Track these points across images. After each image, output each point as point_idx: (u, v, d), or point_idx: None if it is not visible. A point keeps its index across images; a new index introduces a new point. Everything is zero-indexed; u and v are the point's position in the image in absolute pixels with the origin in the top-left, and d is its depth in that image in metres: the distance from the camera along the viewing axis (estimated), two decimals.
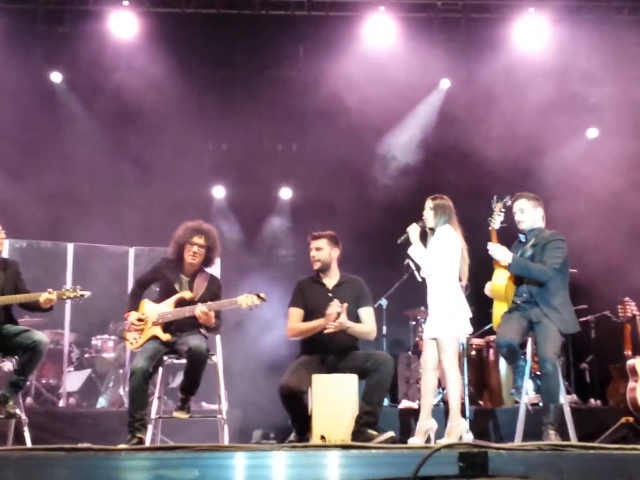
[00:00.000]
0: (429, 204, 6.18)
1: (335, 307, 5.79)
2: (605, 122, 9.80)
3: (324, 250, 6.07)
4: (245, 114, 10.12)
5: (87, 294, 6.08)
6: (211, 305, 5.88)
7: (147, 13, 9.91)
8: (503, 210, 5.86)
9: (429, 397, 5.99)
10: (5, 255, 6.54)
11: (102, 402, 8.71)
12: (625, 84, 9.29)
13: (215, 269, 8.33)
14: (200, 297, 6.06)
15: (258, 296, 5.89)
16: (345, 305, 5.81)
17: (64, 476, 3.14)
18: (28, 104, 9.70)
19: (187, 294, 6.04)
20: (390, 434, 5.59)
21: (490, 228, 5.85)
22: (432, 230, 6.10)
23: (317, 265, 6.06)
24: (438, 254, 5.99)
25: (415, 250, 6.05)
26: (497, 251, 5.81)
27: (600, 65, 9.10)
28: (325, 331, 5.76)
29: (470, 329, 6.10)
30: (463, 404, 7.08)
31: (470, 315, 6.08)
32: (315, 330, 5.85)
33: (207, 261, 6.23)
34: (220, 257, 6.52)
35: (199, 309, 5.84)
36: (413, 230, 6.06)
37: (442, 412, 6.95)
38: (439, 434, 5.96)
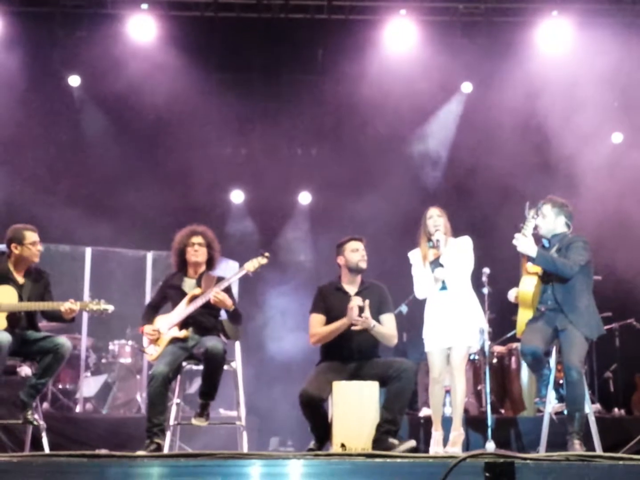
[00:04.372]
0: (438, 212, 6.29)
1: (356, 300, 5.76)
2: (630, 126, 9.74)
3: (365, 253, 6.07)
4: (264, 118, 10.13)
5: (110, 308, 6.07)
6: (222, 283, 5.96)
7: (166, 16, 9.91)
8: (536, 216, 5.79)
9: (441, 408, 6.41)
10: None
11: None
12: None
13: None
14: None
15: (263, 255, 6.02)
16: (367, 301, 5.77)
17: None
18: (46, 108, 9.76)
19: (197, 291, 6.08)
20: (412, 443, 5.59)
21: (521, 234, 5.75)
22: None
23: (365, 265, 6.00)
24: (467, 262, 6.21)
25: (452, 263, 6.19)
26: (523, 244, 5.71)
27: (625, 68, 9.03)
28: (352, 327, 5.71)
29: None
30: (485, 412, 7.08)
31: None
32: (338, 331, 5.79)
33: (210, 261, 6.27)
34: (227, 256, 6.56)
35: (212, 293, 5.89)
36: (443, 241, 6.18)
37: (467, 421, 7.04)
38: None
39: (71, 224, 9.28)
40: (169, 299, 6.24)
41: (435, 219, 6.28)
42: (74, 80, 10.22)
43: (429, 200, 9.14)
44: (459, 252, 6.24)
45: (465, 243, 6.31)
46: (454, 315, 6.22)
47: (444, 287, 6.27)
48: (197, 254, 6.16)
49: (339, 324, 5.78)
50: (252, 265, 6.00)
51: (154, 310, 6.26)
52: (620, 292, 8.47)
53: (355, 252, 5.97)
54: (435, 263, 6.26)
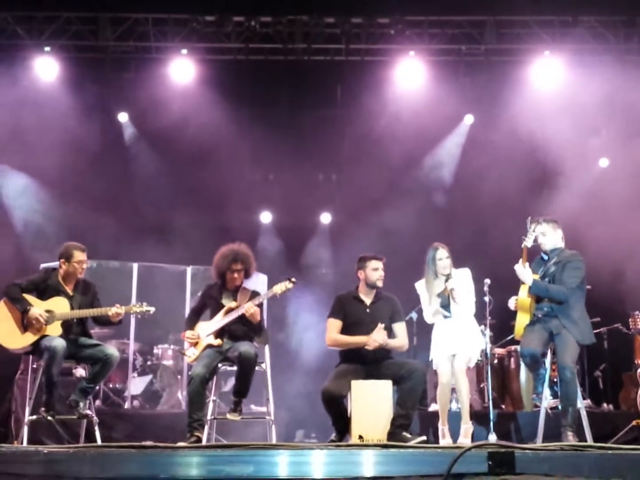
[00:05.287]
0: (446, 253, 6.34)
1: (380, 334, 5.76)
2: (616, 152, 9.69)
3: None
4: (289, 148, 10.17)
5: (152, 309, 6.13)
6: (255, 300, 5.99)
7: (204, 60, 10.00)
8: (536, 230, 5.79)
9: (447, 406, 6.51)
10: None
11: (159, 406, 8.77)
12: (634, 116, 9.19)
13: (261, 286, 8.38)
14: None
15: (289, 280, 6.04)
16: (383, 325, 5.81)
17: (133, 470, 3.16)
18: (98, 141, 9.84)
19: (232, 304, 6.11)
20: (422, 438, 5.60)
21: (522, 246, 5.73)
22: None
23: (382, 283, 6.04)
24: (469, 293, 6.37)
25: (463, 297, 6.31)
26: (522, 273, 5.74)
27: (611, 100, 9.00)
28: (366, 347, 5.76)
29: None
30: (487, 408, 7.05)
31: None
32: (355, 346, 5.83)
33: (246, 276, 6.29)
34: (257, 270, 6.58)
35: (246, 306, 5.92)
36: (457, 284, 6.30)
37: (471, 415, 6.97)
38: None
39: (121, 242, 9.37)
40: (208, 307, 6.27)
41: (445, 261, 6.36)
42: (123, 117, 10.39)
43: (437, 218, 9.18)
44: (461, 284, 6.32)
45: (466, 275, 6.39)
46: (457, 332, 6.33)
47: (449, 315, 6.36)
48: (235, 280, 6.17)
49: (357, 340, 5.82)
50: (279, 288, 6.03)
51: (196, 315, 6.28)
52: (608, 299, 8.38)
53: (375, 271, 6.01)
54: (441, 296, 6.35)
